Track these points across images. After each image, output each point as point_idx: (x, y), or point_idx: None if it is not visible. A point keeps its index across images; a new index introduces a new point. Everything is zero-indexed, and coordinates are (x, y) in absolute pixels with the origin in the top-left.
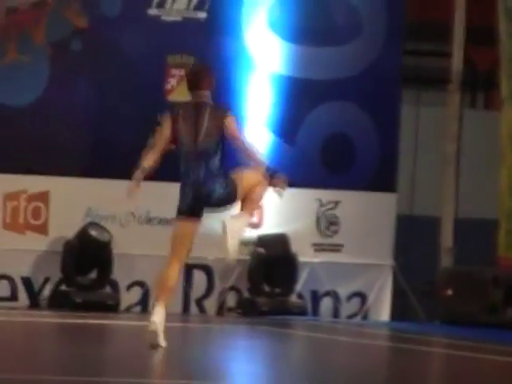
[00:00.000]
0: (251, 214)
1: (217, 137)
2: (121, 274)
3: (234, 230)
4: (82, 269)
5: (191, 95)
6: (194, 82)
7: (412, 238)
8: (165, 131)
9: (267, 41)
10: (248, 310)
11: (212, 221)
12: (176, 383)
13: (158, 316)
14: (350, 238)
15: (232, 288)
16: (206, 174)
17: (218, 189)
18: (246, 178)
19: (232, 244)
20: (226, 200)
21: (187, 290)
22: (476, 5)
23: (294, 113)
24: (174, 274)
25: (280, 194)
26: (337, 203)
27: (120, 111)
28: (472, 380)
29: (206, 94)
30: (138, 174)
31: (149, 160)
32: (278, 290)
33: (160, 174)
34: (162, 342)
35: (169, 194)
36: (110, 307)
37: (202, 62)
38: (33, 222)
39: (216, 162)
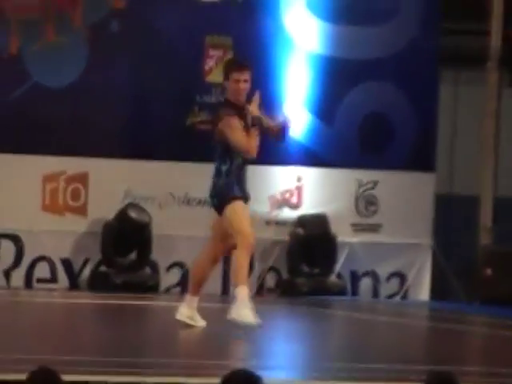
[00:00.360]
0: (243, 283)
1: None
2: (160, 254)
3: (240, 313)
4: (121, 250)
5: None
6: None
7: (451, 217)
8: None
9: (305, 20)
10: (287, 291)
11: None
12: (216, 364)
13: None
14: (388, 217)
15: (271, 268)
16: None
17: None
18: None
19: (246, 315)
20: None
21: (226, 271)
22: None
23: (332, 93)
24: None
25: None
26: (375, 183)
27: (158, 92)
28: (510, 357)
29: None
30: None
31: None
32: (317, 270)
33: (198, 154)
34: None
35: (207, 175)
36: (150, 288)
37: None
38: (72, 203)
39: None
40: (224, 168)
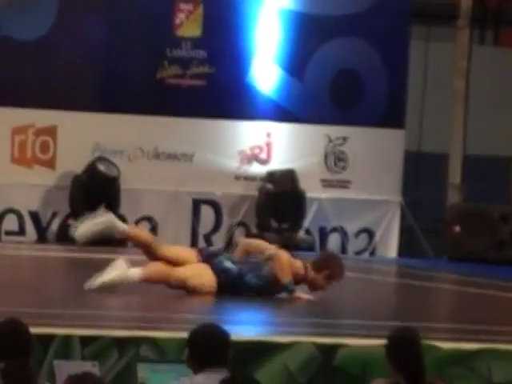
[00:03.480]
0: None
1: None
2: (129, 208)
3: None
4: (89, 204)
5: None
6: None
7: (420, 174)
8: None
9: None
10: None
11: (221, 159)
12: (184, 317)
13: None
14: (358, 174)
15: (240, 223)
16: None
17: None
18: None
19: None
20: None
21: (195, 226)
22: None
23: (303, 48)
24: None
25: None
26: (345, 139)
27: (129, 46)
28: (477, 315)
29: None
30: None
31: None
32: (285, 226)
33: (168, 108)
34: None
35: (177, 129)
36: (118, 242)
37: None
38: (41, 156)
39: None
40: None
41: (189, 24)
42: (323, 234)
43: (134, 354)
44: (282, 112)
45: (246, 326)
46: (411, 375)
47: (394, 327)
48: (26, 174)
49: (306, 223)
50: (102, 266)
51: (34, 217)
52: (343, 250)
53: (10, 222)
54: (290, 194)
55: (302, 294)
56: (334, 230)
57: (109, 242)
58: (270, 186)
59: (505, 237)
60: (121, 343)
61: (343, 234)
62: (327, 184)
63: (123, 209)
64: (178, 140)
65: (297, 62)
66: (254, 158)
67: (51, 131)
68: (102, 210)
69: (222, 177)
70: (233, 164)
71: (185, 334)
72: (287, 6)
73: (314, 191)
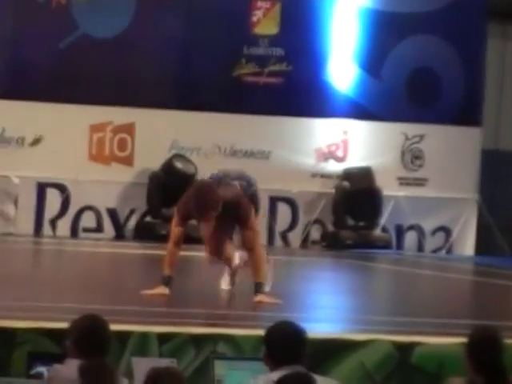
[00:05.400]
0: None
1: None
2: None
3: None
4: (167, 201)
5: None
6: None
7: (497, 172)
8: None
9: None
10: (332, 243)
11: (297, 157)
12: (262, 315)
13: None
14: (434, 172)
15: (316, 221)
16: None
17: None
18: None
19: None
20: None
21: (272, 223)
22: None
23: (380, 46)
24: None
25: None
26: (422, 137)
27: (206, 44)
28: None
29: None
30: None
31: None
32: (362, 224)
33: (245, 106)
34: None
35: (253, 127)
36: (195, 239)
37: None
38: (118, 153)
39: None
40: None
41: (266, 22)
42: (400, 231)
43: (210, 352)
44: (359, 109)
45: (323, 323)
46: (492, 375)
47: (475, 326)
48: (104, 171)
49: (383, 221)
50: (180, 262)
51: (112, 214)
52: (420, 247)
53: (88, 219)
54: (367, 192)
55: (266, 297)
56: (411, 227)
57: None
58: (346, 183)
59: None
60: (198, 340)
61: (420, 231)
62: (404, 182)
63: None
64: (254, 137)
65: (374, 60)
66: (330, 155)
67: (129, 129)
68: None
69: (299, 174)
70: (309, 162)
71: (262, 332)
72: (364, 3)
73: (390, 189)
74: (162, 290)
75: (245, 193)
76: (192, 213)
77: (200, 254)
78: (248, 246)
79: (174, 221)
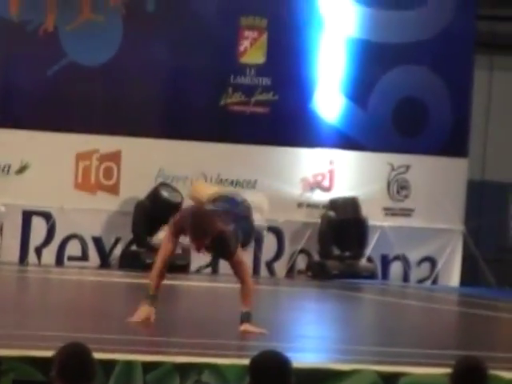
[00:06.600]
0: None
1: None
2: None
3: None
4: (152, 229)
5: None
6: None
7: (483, 203)
8: None
9: (340, 3)
10: (318, 273)
11: (283, 186)
12: (246, 345)
13: None
14: (420, 202)
15: (302, 251)
16: None
17: None
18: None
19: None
20: None
21: (257, 253)
22: None
23: (367, 76)
24: None
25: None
26: (408, 167)
27: (192, 73)
28: None
29: None
30: None
31: None
32: (348, 254)
33: (231, 135)
34: None
35: (240, 156)
36: (181, 268)
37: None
38: (104, 182)
39: None
40: None
41: (253, 51)
42: (385, 261)
43: (195, 381)
44: (345, 139)
45: (308, 353)
46: None
47: (460, 356)
48: (90, 199)
49: (368, 251)
50: (164, 291)
51: (97, 242)
52: (405, 278)
53: (74, 248)
54: (353, 222)
55: (252, 326)
56: (396, 258)
57: (171, 267)
58: (332, 213)
59: None
60: (183, 369)
61: (405, 262)
62: (390, 212)
63: None
64: (240, 167)
65: (360, 90)
66: (316, 185)
67: (115, 157)
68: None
69: (285, 204)
70: (295, 191)
71: (246, 361)
72: (351, 33)
73: (376, 219)
74: (147, 310)
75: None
76: (186, 231)
77: (185, 283)
78: (240, 278)
79: (166, 236)
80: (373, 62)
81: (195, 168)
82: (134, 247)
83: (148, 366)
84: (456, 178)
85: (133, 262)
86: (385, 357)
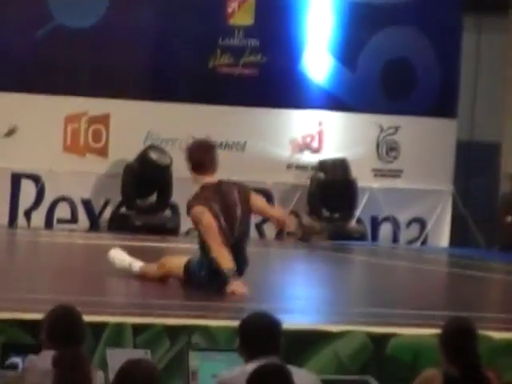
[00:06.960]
0: None
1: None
2: (181, 197)
3: None
4: (141, 192)
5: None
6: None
7: (472, 164)
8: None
9: None
10: (307, 235)
11: (273, 148)
12: (234, 306)
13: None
14: (409, 163)
15: (291, 212)
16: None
17: None
18: None
19: None
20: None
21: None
22: None
23: (355, 38)
24: None
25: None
26: (397, 128)
27: (181, 34)
28: None
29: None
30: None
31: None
32: (337, 215)
33: (220, 97)
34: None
35: (229, 118)
36: (170, 230)
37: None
38: (93, 144)
39: None
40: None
41: (241, 13)
42: (375, 223)
43: (185, 343)
44: (334, 101)
45: (297, 314)
46: (466, 366)
47: (449, 317)
48: (79, 162)
49: (358, 212)
50: (154, 253)
51: (87, 205)
52: (395, 239)
53: (63, 210)
54: (342, 183)
55: (238, 286)
56: (386, 219)
57: (161, 230)
58: (321, 174)
59: None
60: (173, 331)
61: (395, 223)
62: (379, 173)
63: (175, 197)
64: (229, 129)
65: (349, 51)
66: (305, 146)
67: (104, 119)
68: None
69: (274, 166)
70: (284, 153)
71: (236, 323)
72: None
73: (365, 180)
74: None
75: None
76: (204, 166)
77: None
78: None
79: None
80: (361, 23)
81: (184, 130)
82: (123, 210)
83: (138, 328)
84: (445, 139)
85: (122, 224)
86: (374, 318)
